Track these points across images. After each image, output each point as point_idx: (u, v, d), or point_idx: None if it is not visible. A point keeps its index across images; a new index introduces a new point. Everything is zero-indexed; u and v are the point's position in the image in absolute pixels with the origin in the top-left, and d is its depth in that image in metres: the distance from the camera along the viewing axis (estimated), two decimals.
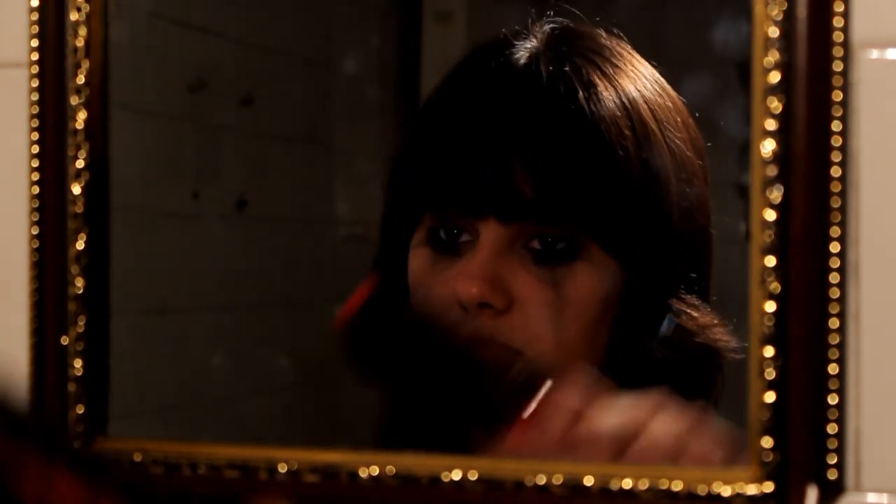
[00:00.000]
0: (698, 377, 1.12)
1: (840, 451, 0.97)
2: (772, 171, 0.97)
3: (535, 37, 1.16)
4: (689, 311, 1.13)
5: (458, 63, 1.19)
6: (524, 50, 1.14)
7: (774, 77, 0.97)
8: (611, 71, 1.13)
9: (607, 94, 1.11)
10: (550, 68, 1.12)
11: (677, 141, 1.13)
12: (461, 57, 1.22)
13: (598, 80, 1.12)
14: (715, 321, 1.13)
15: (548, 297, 1.09)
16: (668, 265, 1.13)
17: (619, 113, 1.11)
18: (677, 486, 1.00)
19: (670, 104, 1.14)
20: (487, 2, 1.50)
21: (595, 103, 1.10)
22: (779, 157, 0.97)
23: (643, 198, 1.11)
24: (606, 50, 1.15)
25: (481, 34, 1.46)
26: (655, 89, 1.14)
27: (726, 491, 0.99)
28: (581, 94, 1.10)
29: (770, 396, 0.97)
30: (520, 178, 1.08)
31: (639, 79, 1.14)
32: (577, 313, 1.10)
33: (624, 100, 1.12)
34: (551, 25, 1.17)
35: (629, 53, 1.16)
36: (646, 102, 1.13)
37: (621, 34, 1.17)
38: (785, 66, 0.97)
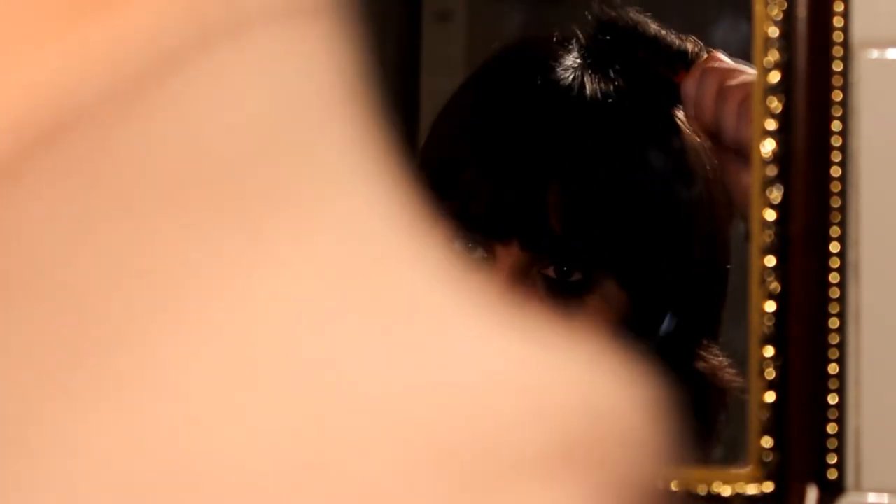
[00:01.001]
0: (701, 404, 1.11)
1: (840, 451, 0.97)
2: (772, 171, 0.97)
3: (579, 39, 1.12)
4: (700, 352, 1.12)
5: (483, 65, 1.18)
6: (567, 61, 1.11)
7: (774, 77, 0.97)
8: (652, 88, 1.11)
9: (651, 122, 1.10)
10: (594, 87, 1.10)
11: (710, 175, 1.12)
12: (472, 56, 1.22)
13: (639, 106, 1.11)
14: (725, 363, 1.12)
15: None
16: (678, 300, 1.11)
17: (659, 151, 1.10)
18: (677, 486, 1.00)
19: None
20: (487, 2, 1.50)
21: (635, 138, 1.10)
22: (779, 157, 0.97)
23: (670, 240, 1.10)
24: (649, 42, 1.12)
25: (481, 34, 1.46)
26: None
27: (726, 491, 0.99)
28: (622, 123, 1.09)
29: (770, 396, 0.97)
30: (552, 213, 1.07)
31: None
32: None
33: (665, 127, 1.10)
34: (597, 23, 1.13)
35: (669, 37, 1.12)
36: (685, 129, 1.11)
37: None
38: (785, 66, 0.97)
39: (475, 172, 1.11)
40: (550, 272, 1.08)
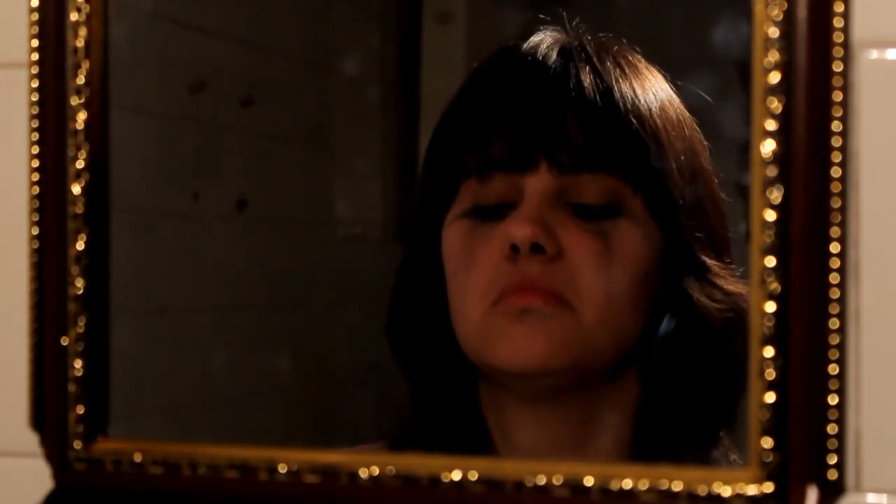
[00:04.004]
0: (735, 353, 1.12)
1: (840, 451, 0.97)
2: (772, 171, 0.97)
3: (570, 32, 1.18)
4: (728, 276, 1.14)
5: (496, 50, 1.22)
6: (564, 35, 1.17)
7: (774, 77, 0.97)
8: (644, 62, 1.16)
9: (646, 74, 1.14)
10: (593, 45, 1.16)
11: (699, 142, 1.16)
12: (470, 57, 1.25)
13: (637, 62, 1.15)
14: (743, 289, 1.14)
15: (597, 246, 1.11)
16: (705, 233, 1.14)
17: (659, 90, 1.14)
18: (677, 486, 1.00)
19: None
20: (487, 2, 1.50)
21: (638, 77, 1.14)
22: (779, 157, 0.97)
23: (686, 162, 1.13)
24: (633, 53, 1.18)
25: (481, 35, 1.46)
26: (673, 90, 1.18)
27: (726, 491, 0.99)
28: (625, 64, 1.13)
29: (770, 396, 0.97)
30: (573, 128, 1.10)
31: (662, 80, 1.17)
32: (625, 267, 1.11)
33: (659, 85, 1.15)
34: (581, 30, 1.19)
35: (647, 63, 1.19)
36: (675, 97, 1.16)
37: (636, 49, 1.19)
38: (785, 67, 0.97)
39: (492, 123, 1.13)
40: (578, 204, 1.11)
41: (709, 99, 1.19)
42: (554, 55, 1.15)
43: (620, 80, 1.14)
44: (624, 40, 1.19)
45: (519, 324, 1.10)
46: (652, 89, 1.15)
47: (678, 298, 1.14)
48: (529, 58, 1.16)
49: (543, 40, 1.17)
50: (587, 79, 1.13)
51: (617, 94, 1.13)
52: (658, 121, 1.13)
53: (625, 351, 1.13)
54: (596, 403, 1.15)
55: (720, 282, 1.14)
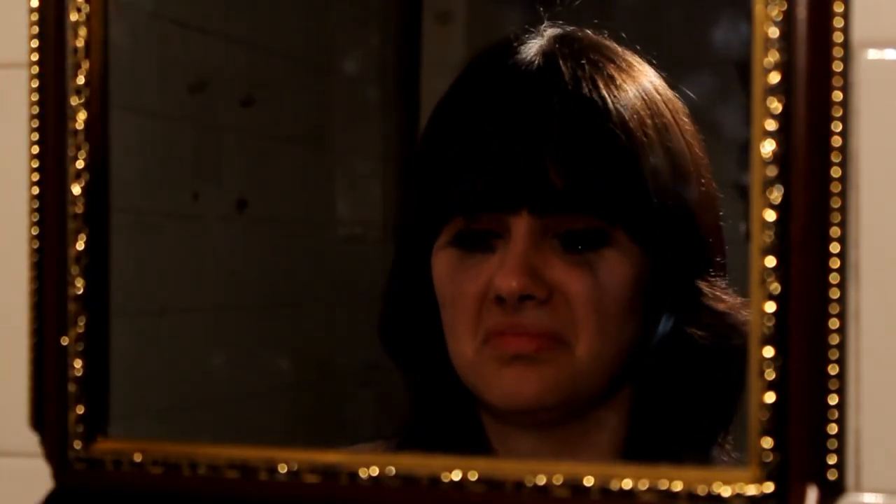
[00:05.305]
0: (727, 369, 1.12)
1: (840, 451, 0.97)
2: (772, 171, 0.97)
3: (544, 38, 1.16)
4: (717, 293, 1.14)
5: (468, 64, 1.20)
6: (537, 49, 1.15)
7: (774, 77, 0.97)
8: (624, 66, 1.14)
9: (626, 86, 1.13)
10: (568, 63, 1.13)
11: (688, 135, 1.15)
12: (469, 58, 1.23)
13: (615, 73, 1.13)
14: (741, 301, 1.13)
15: (586, 281, 1.10)
16: (691, 251, 1.14)
17: (638, 103, 1.12)
18: (677, 486, 1.00)
19: (676, 101, 1.16)
20: (487, 2, 1.50)
21: (616, 94, 1.12)
22: (779, 158, 0.97)
23: (668, 184, 1.12)
24: (612, 51, 1.16)
25: (481, 35, 1.46)
26: (662, 85, 1.16)
27: (726, 491, 0.99)
28: (602, 85, 1.12)
29: (770, 396, 0.97)
30: (552, 171, 1.09)
31: (646, 75, 1.15)
32: (614, 297, 1.11)
33: (641, 91, 1.13)
34: (557, 30, 1.18)
35: (631, 54, 1.17)
36: (658, 94, 1.14)
37: (622, 36, 1.18)
38: (785, 67, 0.97)
39: (474, 159, 1.12)
40: (564, 234, 1.11)
41: (693, 97, 1.18)
42: (533, 77, 1.13)
43: (599, 113, 1.11)
44: (605, 32, 1.18)
45: (509, 368, 1.10)
46: (630, 101, 1.13)
47: (668, 324, 1.14)
48: (507, 89, 1.14)
49: (518, 62, 1.14)
50: (565, 113, 1.11)
51: (596, 130, 1.11)
52: (639, 150, 1.12)
53: (617, 374, 1.13)
54: (591, 416, 1.15)
55: (711, 303, 1.14)
